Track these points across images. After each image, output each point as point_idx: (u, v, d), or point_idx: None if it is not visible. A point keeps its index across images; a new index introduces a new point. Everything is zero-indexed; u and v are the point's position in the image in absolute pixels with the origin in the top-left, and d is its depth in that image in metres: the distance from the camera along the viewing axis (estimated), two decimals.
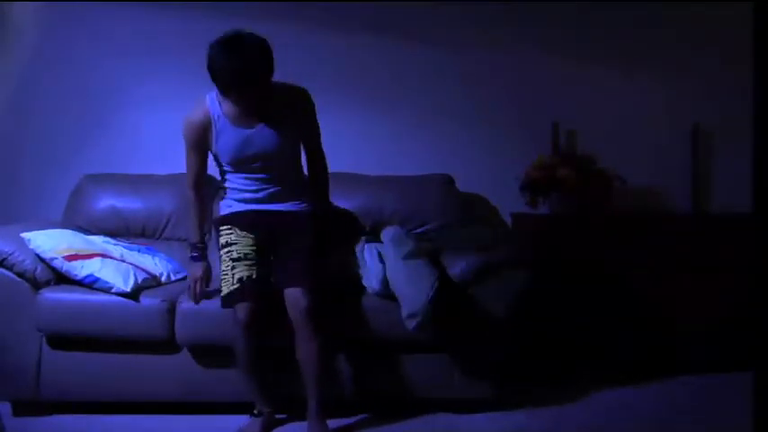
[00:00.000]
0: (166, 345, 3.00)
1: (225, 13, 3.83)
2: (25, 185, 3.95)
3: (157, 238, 3.62)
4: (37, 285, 3.02)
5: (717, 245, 3.71)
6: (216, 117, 2.81)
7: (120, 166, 3.81)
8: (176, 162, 3.82)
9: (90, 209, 3.59)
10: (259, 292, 2.81)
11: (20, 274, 3.00)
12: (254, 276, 2.81)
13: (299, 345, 2.80)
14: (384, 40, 3.96)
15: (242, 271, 2.81)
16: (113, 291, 2.98)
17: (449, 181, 3.75)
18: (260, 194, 2.90)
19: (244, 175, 2.89)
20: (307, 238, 2.89)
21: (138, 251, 3.34)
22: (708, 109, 4.02)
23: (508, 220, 3.95)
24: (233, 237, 2.87)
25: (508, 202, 3.90)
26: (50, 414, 3.03)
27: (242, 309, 2.78)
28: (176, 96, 3.94)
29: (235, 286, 2.80)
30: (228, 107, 2.80)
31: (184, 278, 3.40)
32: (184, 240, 3.62)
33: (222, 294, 2.84)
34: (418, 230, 3.59)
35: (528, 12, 3.99)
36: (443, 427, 2.85)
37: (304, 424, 2.84)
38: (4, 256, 2.98)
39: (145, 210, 3.62)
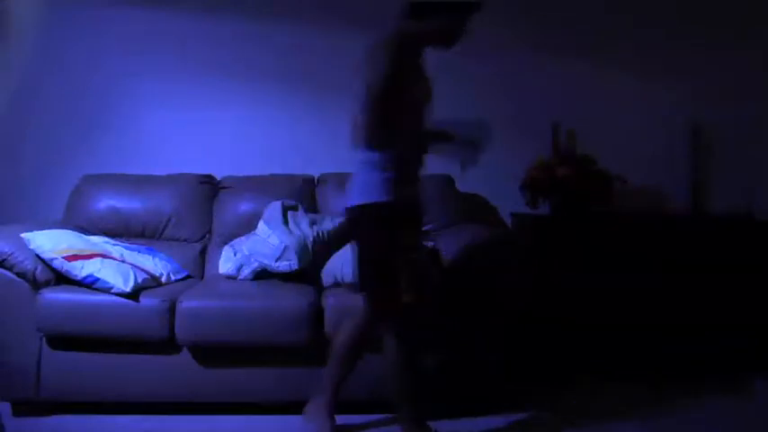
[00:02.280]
0: (166, 345, 2.99)
1: (224, 13, 3.83)
2: (25, 185, 3.94)
3: (157, 239, 3.62)
4: (37, 285, 3.01)
5: (717, 245, 3.71)
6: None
7: (120, 166, 3.81)
8: (176, 162, 3.84)
9: (90, 209, 3.60)
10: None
11: (20, 274, 3.00)
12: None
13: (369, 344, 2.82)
14: None
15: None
16: (113, 291, 2.97)
17: (449, 181, 3.75)
18: (419, 156, 2.75)
19: (410, 130, 2.74)
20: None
21: (138, 251, 3.34)
22: (708, 109, 4.02)
23: (508, 220, 3.95)
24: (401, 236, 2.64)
25: (508, 202, 3.89)
26: (50, 414, 3.03)
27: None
28: (176, 96, 3.96)
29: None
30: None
31: (184, 278, 3.41)
32: (184, 240, 3.63)
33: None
34: None
35: (528, 12, 3.99)
36: (443, 428, 2.84)
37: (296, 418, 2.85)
38: (4, 257, 2.98)
39: (145, 210, 3.62)
